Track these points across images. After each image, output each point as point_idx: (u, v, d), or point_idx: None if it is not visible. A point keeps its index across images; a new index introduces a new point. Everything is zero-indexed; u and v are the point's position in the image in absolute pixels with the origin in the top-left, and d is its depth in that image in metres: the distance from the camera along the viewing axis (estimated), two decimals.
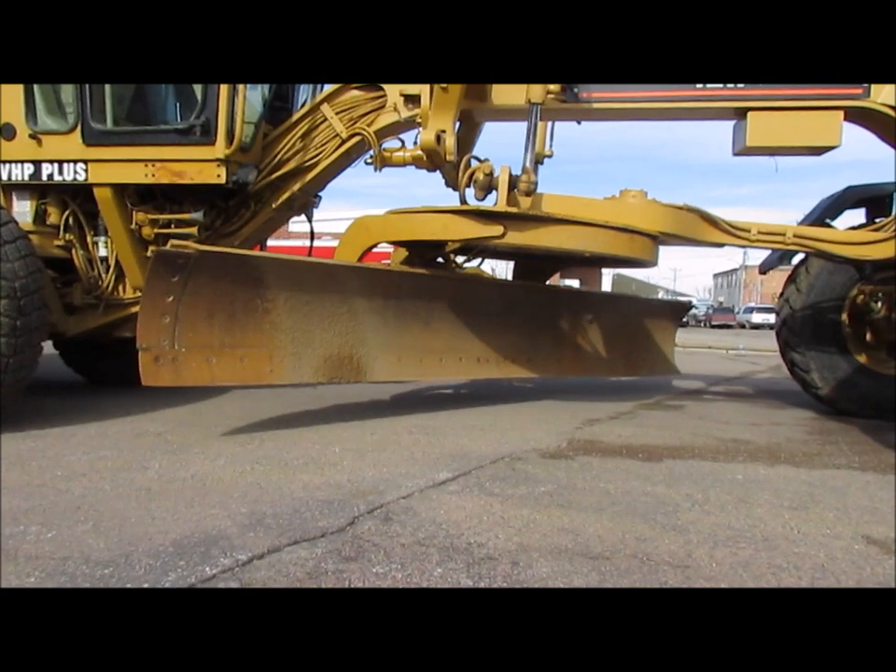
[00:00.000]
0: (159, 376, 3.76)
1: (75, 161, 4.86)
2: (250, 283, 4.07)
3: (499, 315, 5.57)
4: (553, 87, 4.89)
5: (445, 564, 2.14)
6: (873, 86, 4.74)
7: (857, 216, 5.89)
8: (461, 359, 5.39)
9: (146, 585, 1.92)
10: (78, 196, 5.07)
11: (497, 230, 4.64)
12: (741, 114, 4.97)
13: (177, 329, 3.77)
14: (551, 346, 6.08)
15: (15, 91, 4.84)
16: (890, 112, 4.77)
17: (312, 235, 6.10)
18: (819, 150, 5.09)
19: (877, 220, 5.52)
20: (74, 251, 5.12)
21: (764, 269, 6.33)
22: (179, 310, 3.76)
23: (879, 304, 5.82)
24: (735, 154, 5.24)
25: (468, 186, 4.95)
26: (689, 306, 8.62)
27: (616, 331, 6.60)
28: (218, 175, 4.74)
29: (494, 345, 5.54)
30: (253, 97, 5.06)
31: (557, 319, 6.15)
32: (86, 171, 4.87)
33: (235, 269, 4.02)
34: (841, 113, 4.81)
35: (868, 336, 5.94)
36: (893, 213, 5.41)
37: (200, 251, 3.77)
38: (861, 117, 4.95)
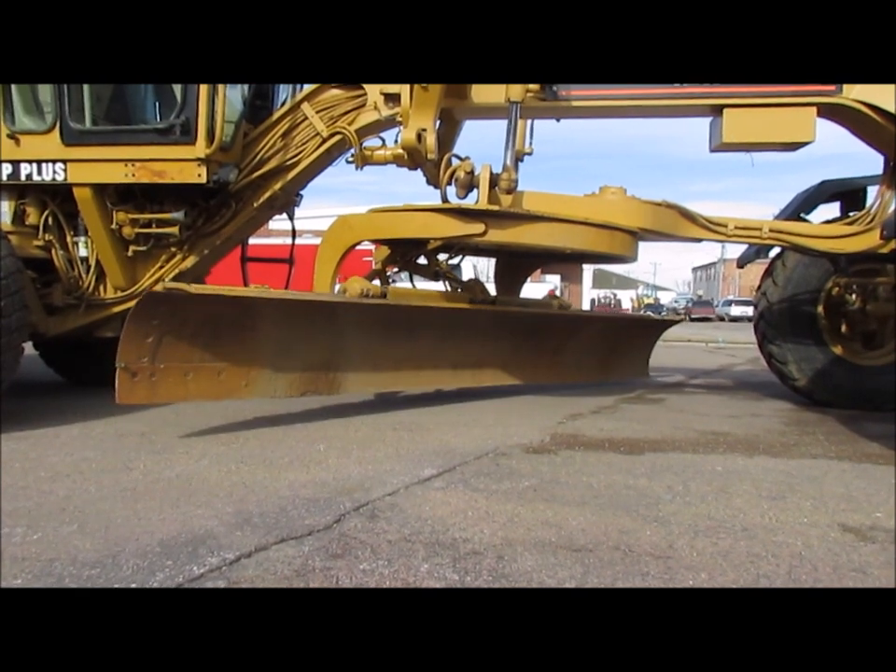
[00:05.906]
0: (133, 394, 3.73)
1: (54, 161, 4.82)
2: (239, 310, 4.07)
3: (482, 334, 5.60)
4: (532, 86, 4.93)
5: (431, 559, 2.17)
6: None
7: (831, 210, 6.00)
8: (437, 368, 5.41)
9: (133, 585, 1.93)
10: (58, 196, 5.04)
11: (478, 228, 4.67)
12: (717, 111, 5.04)
13: (160, 348, 3.74)
14: (531, 360, 6.16)
15: None
16: (861, 108, 4.85)
17: (293, 234, 6.11)
18: (793, 146, 5.18)
19: (851, 214, 5.61)
20: (54, 251, 5.08)
21: (742, 263, 6.41)
22: (164, 338, 3.74)
23: (854, 296, 5.93)
24: (712, 150, 5.32)
25: (449, 184, 4.97)
26: (672, 323, 8.32)
27: (597, 348, 6.75)
28: (199, 175, 4.73)
29: (472, 358, 5.59)
30: (233, 96, 5.05)
31: (540, 341, 6.18)
32: (65, 171, 4.83)
33: (226, 304, 3.98)
34: (814, 109, 4.89)
35: (843, 328, 6.06)
36: (867, 207, 5.52)
37: (191, 294, 3.69)
38: (833, 113, 5.03)
